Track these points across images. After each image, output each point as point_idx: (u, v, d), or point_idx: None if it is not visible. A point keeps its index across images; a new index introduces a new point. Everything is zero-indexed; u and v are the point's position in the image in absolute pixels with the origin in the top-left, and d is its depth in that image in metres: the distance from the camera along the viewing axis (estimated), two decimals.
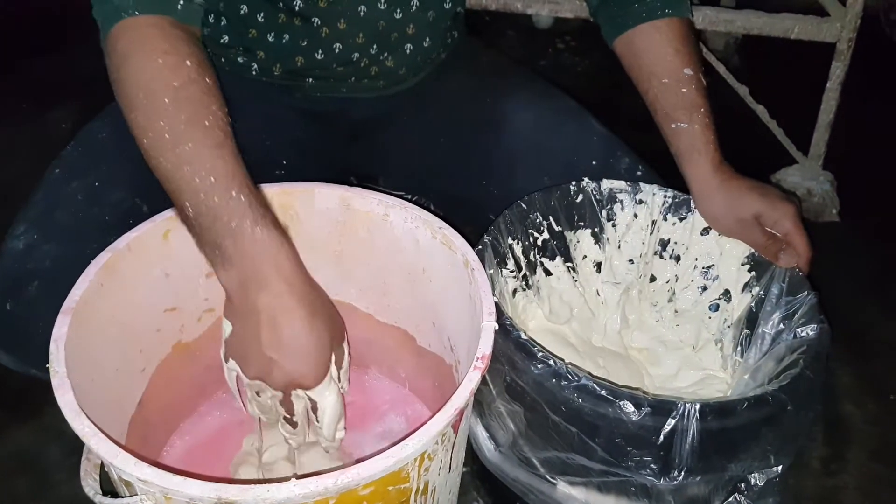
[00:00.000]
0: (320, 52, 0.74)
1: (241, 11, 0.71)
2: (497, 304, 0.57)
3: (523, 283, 0.71)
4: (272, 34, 0.72)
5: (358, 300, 0.74)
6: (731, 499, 0.56)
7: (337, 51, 0.74)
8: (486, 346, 0.53)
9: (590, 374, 0.53)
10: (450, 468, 0.55)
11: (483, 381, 0.60)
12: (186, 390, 0.70)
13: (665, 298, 0.74)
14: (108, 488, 0.51)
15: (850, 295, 1.04)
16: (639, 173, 0.77)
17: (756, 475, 0.56)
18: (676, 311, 0.74)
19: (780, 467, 0.56)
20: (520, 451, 0.60)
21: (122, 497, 0.48)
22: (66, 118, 1.33)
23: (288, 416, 0.57)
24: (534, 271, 0.72)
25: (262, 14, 0.71)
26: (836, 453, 0.83)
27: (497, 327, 0.55)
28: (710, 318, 0.72)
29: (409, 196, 1.03)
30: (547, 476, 0.59)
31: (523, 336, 0.56)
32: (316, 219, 0.68)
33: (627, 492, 0.56)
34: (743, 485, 0.56)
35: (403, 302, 0.71)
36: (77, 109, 1.33)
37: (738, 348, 0.68)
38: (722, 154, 0.69)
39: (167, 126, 0.53)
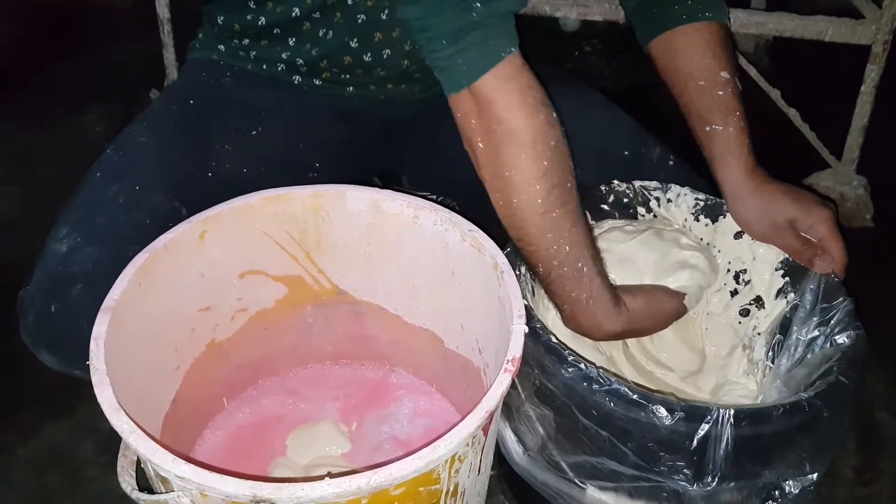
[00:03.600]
0: (369, 54, 0.75)
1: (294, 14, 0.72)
2: (527, 307, 0.57)
3: None
4: (323, 30, 0.73)
5: (386, 301, 0.74)
6: None
7: (385, 56, 0.75)
8: (516, 348, 0.53)
9: (620, 377, 0.53)
10: (479, 470, 0.55)
11: (512, 384, 0.60)
12: (217, 389, 0.71)
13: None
14: (143, 484, 0.52)
15: (883, 301, 1.02)
16: (671, 163, 0.77)
17: (790, 482, 0.55)
18: (708, 314, 0.73)
19: (814, 475, 0.55)
20: (549, 455, 0.60)
21: (157, 493, 0.49)
22: (98, 121, 1.36)
23: None
24: None
25: (318, 13, 0.72)
26: (869, 462, 0.82)
27: (527, 330, 0.55)
28: (739, 322, 0.71)
29: (434, 196, 1.04)
30: (576, 480, 0.59)
31: (553, 339, 0.55)
32: (346, 220, 0.69)
33: (658, 497, 0.55)
34: (777, 492, 0.55)
35: (432, 304, 0.72)
36: (107, 112, 1.36)
37: (770, 354, 0.67)
38: (756, 158, 0.68)
39: (541, 191, 0.57)
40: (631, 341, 0.73)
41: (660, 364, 0.72)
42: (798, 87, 1.20)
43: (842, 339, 0.58)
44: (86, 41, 1.56)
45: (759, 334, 0.69)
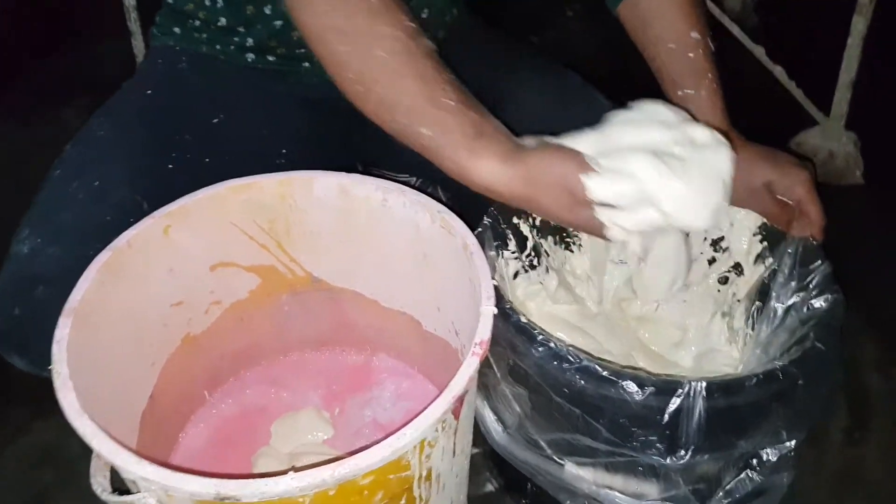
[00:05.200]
0: None
1: None
2: (497, 288, 0.56)
3: (527, 263, 0.70)
4: (269, 7, 0.72)
5: (362, 287, 0.73)
6: (742, 475, 0.55)
7: None
8: (484, 331, 0.52)
9: (590, 355, 0.52)
10: (454, 453, 0.55)
11: (487, 363, 0.59)
12: (197, 382, 0.71)
13: None
14: (122, 485, 0.52)
15: (875, 261, 1.01)
16: None
17: (768, 450, 0.54)
18: (686, 284, 0.72)
19: (792, 442, 0.54)
20: (526, 433, 0.59)
21: (133, 493, 0.49)
22: (81, 116, 1.34)
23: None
24: (541, 252, 0.71)
25: None
26: (858, 424, 0.81)
27: (496, 312, 0.54)
28: (718, 290, 0.70)
29: (415, 179, 1.03)
30: (554, 457, 0.58)
31: (523, 319, 0.55)
32: (316, 207, 0.68)
33: (635, 471, 0.55)
34: (755, 461, 0.55)
35: (407, 287, 0.71)
36: (90, 106, 1.34)
37: (750, 321, 0.66)
38: (730, 121, 0.67)
39: (349, 73, 0.57)
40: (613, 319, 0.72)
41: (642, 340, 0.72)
42: (785, 43, 1.17)
43: (819, 303, 0.57)
44: (67, 35, 1.53)
45: (738, 301, 0.68)
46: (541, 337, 0.53)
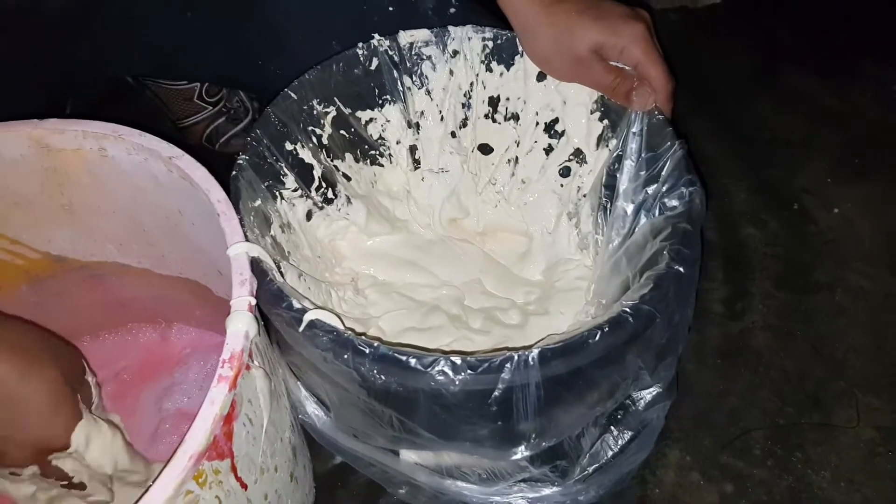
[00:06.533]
0: None
1: None
2: (256, 262, 0.41)
3: (320, 198, 0.54)
4: None
5: (123, 256, 0.57)
6: (605, 434, 0.45)
7: None
8: (234, 342, 0.37)
9: (385, 342, 0.39)
10: (244, 486, 0.42)
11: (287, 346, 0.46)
12: None
13: (507, 173, 0.59)
14: None
15: (739, 91, 0.91)
16: (452, 10, 0.58)
17: (632, 398, 0.45)
18: (524, 182, 0.59)
19: (658, 384, 0.44)
20: (347, 423, 0.47)
21: None
22: None
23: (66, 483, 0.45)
24: (334, 179, 0.55)
25: None
26: (738, 290, 0.74)
27: (253, 303, 0.39)
28: (561, 185, 0.57)
29: (198, 85, 0.82)
30: (387, 447, 0.47)
31: (296, 304, 0.40)
32: (10, 171, 0.49)
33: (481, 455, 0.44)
34: (619, 413, 0.45)
35: (176, 250, 0.55)
36: None
37: (598, 223, 0.54)
38: None
39: None
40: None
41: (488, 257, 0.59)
42: None
43: (673, 201, 0.45)
44: None
45: (584, 197, 0.56)
46: (322, 325, 0.39)
